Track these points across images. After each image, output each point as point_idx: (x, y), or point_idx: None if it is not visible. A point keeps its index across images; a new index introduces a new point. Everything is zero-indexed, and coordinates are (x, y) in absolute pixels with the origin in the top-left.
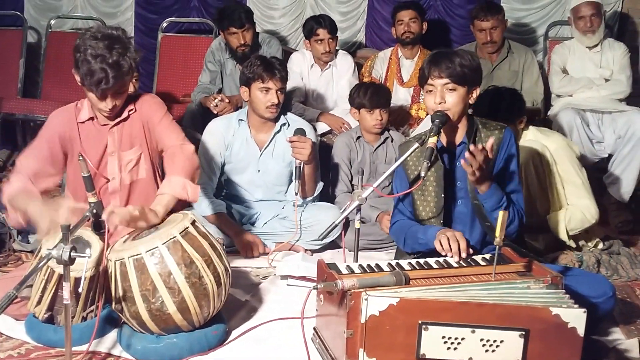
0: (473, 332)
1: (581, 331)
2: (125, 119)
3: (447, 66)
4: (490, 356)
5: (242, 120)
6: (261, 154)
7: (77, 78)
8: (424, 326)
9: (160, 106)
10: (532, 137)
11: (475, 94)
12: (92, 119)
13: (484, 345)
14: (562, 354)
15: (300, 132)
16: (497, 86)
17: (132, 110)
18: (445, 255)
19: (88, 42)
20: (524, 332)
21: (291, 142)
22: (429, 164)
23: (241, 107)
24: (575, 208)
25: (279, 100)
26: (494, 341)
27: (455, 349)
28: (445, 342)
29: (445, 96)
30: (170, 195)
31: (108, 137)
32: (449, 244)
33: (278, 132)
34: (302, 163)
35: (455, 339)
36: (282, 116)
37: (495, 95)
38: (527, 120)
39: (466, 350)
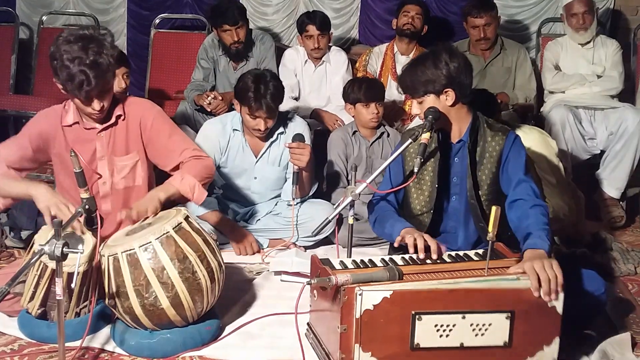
0: (463, 317)
1: (560, 309)
2: (114, 124)
3: (404, 86)
4: (480, 339)
5: (236, 130)
6: (257, 161)
7: (59, 86)
8: (417, 316)
9: (164, 119)
10: None
11: (449, 96)
12: (77, 123)
13: (473, 329)
14: (544, 330)
15: (298, 137)
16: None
17: (121, 115)
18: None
19: (62, 47)
20: (509, 314)
21: (290, 148)
22: (422, 160)
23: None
24: (549, 205)
25: (266, 127)
26: (483, 325)
27: (447, 335)
28: (437, 330)
29: (419, 107)
30: (176, 189)
31: (96, 141)
32: (417, 243)
33: (274, 140)
34: (300, 168)
35: (447, 326)
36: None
37: None
38: (520, 117)
39: (457, 336)
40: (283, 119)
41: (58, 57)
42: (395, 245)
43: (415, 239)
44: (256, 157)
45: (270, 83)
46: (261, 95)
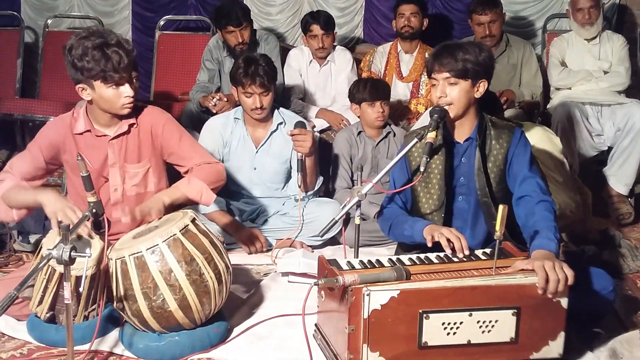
0: (470, 315)
1: (565, 304)
2: (126, 132)
3: (447, 60)
4: (487, 336)
5: (237, 118)
6: (257, 151)
7: (87, 89)
8: (424, 315)
9: (175, 125)
10: None
11: (482, 87)
12: (89, 131)
13: (480, 326)
14: (549, 326)
15: (300, 125)
16: None
17: (133, 124)
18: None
19: (82, 44)
20: (516, 310)
21: (292, 135)
22: (428, 159)
23: (240, 105)
24: (555, 203)
25: (262, 104)
26: (490, 322)
27: (454, 333)
28: (445, 328)
29: (447, 90)
30: (182, 192)
31: (108, 149)
32: (448, 240)
33: (275, 130)
34: (304, 155)
35: (455, 323)
36: (276, 113)
37: None
38: (526, 114)
39: (465, 333)
40: (280, 111)
41: (82, 53)
42: (429, 245)
43: (446, 237)
44: (256, 148)
45: (260, 60)
46: (253, 70)
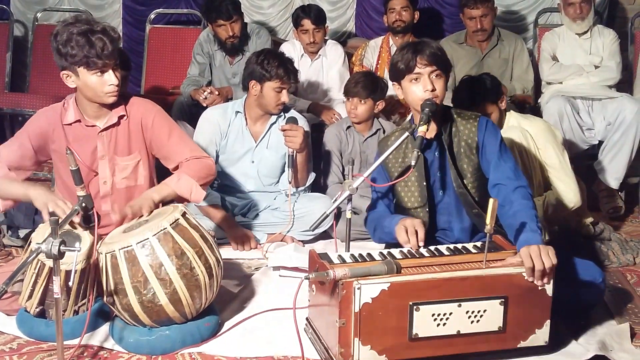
0: (459, 306)
1: (550, 292)
2: (116, 124)
3: (431, 53)
4: (476, 326)
5: (239, 112)
6: (257, 145)
7: (72, 76)
8: (415, 307)
9: (165, 117)
10: (514, 123)
11: (448, 81)
12: (78, 121)
13: (469, 317)
14: (535, 314)
15: (292, 120)
16: (470, 75)
17: (124, 115)
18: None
19: (68, 30)
20: (503, 299)
21: (283, 130)
22: (419, 153)
23: (231, 99)
24: (554, 194)
25: (287, 99)
26: (478, 312)
27: (444, 324)
28: (435, 320)
29: (435, 83)
30: (172, 189)
31: (97, 141)
32: (407, 236)
33: (274, 123)
34: (295, 151)
35: (444, 315)
36: None
37: (475, 81)
38: (517, 108)
39: (454, 324)
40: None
41: (66, 39)
42: (405, 247)
43: (407, 235)
44: (256, 142)
45: (287, 57)
46: (287, 66)
